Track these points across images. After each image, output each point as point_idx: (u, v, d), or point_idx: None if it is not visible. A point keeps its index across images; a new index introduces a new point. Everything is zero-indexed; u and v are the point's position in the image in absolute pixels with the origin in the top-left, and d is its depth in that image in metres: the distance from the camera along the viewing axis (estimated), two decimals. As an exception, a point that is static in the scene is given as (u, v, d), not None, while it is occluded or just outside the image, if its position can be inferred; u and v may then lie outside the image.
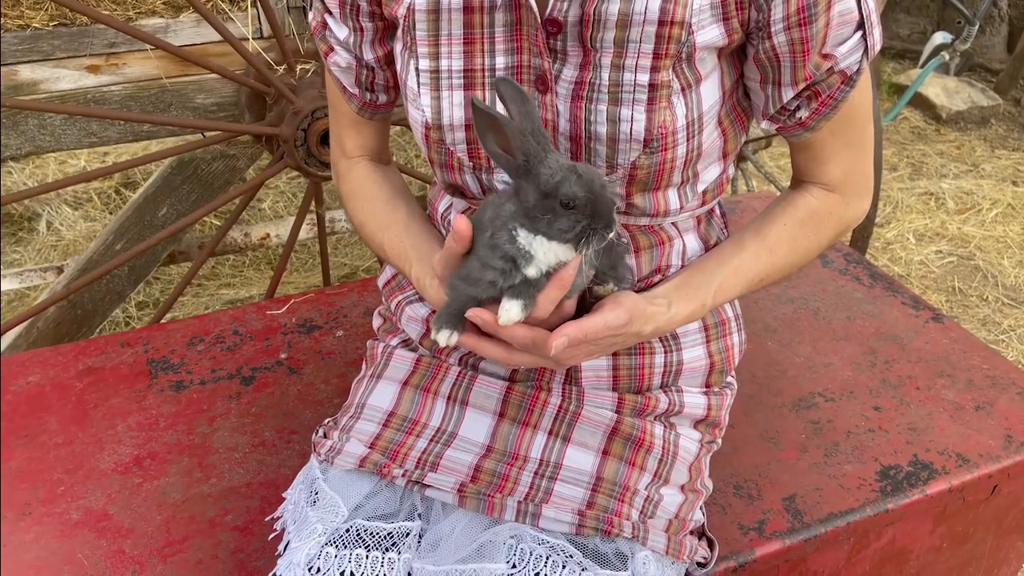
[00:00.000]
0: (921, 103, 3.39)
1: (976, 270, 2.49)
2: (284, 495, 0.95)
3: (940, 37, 3.36)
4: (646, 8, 0.74)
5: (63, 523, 1.05)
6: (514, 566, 0.79)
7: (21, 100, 1.35)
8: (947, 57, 3.53)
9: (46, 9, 1.35)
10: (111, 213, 2.62)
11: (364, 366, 1.03)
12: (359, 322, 1.39)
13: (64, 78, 1.41)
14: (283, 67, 1.44)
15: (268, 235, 1.77)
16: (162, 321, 1.60)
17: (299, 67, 1.46)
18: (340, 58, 0.92)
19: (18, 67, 1.37)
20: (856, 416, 1.20)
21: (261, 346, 1.33)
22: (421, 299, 0.97)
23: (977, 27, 3.51)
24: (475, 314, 0.74)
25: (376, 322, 1.06)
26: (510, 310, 0.72)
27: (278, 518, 0.96)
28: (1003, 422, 1.20)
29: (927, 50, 3.45)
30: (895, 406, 1.22)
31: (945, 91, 3.36)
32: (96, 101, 1.43)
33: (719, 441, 1.00)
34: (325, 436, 0.94)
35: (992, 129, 3.29)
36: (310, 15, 0.95)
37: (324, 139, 1.42)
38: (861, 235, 1.75)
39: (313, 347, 1.33)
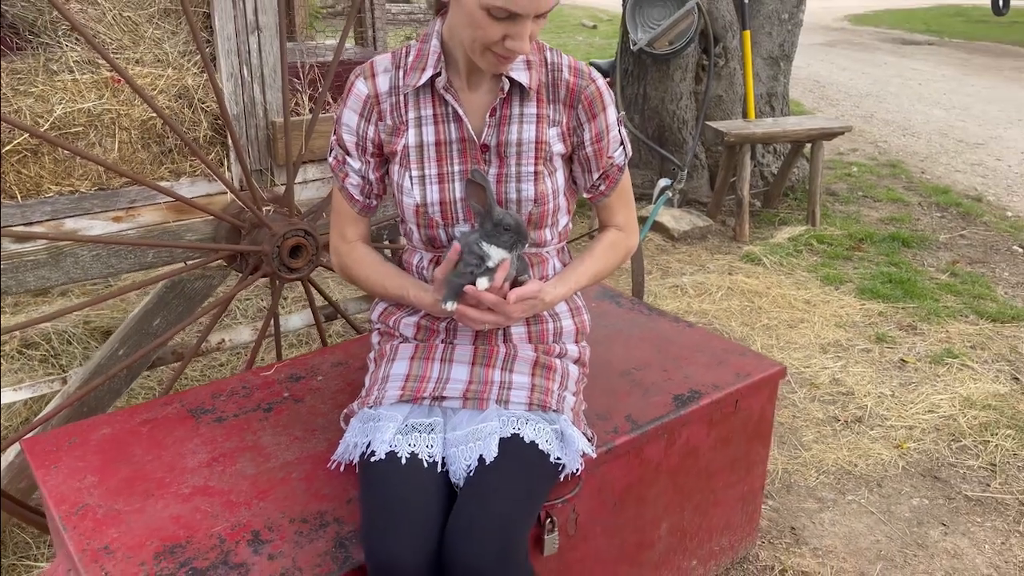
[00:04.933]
0: (659, 228, 4.54)
1: (716, 330, 3.49)
2: (344, 436, 1.55)
3: (663, 182, 4.54)
4: (530, 138, 1.53)
5: (180, 495, 1.55)
6: (503, 424, 1.46)
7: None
8: (671, 194, 4.77)
9: (91, 179, 1.93)
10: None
11: (373, 363, 1.67)
12: (330, 372, 1.99)
13: (96, 226, 1.96)
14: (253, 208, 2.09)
15: (223, 340, 2.32)
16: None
17: (264, 208, 2.12)
18: (352, 180, 1.62)
19: (65, 220, 1.93)
20: (656, 376, 1.99)
21: (267, 392, 1.90)
22: (411, 313, 1.64)
23: (686, 172, 4.80)
24: (468, 288, 1.44)
25: (375, 338, 1.72)
26: (482, 281, 1.44)
27: (336, 461, 1.56)
28: (734, 368, 2.04)
29: (656, 191, 4.64)
30: (676, 368, 2.03)
31: (673, 218, 4.54)
32: (117, 242, 1.99)
33: (586, 379, 1.74)
34: (360, 401, 1.57)
35: (710, 241, 4.49)
36: (329, 157, 1.65)
37: (292, 252, 2.07)
38: (637, 294, 2.62)
39: (305, 387, 1.92)
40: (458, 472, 1.43)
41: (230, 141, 2.06)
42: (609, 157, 1.61)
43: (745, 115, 4.91)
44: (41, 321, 1.91)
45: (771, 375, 2.04)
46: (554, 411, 1.53)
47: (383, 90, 1.55)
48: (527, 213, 1.55)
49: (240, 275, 2.18)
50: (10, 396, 2.05)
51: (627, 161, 1.66)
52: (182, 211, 2.06)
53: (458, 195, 1.54)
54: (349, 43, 3.46)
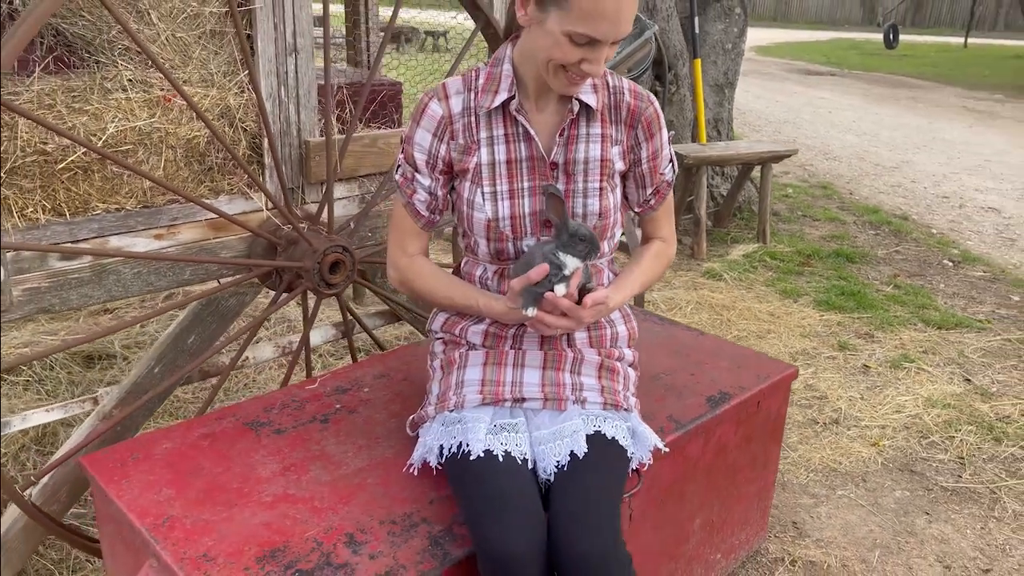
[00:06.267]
0: (621, 247, 4.71)
1: (691, 343, 3.65)
2: (421, 440, 1.61)
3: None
4: (596, 156, 1.65)
5: (263, 503, 1.57)
6: (585, 422, 1.55)
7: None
8: (631, 215, 4.95)
9: (136, 197, 1.94)
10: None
11: (442, 371, 1.73)
12: (375, 383, 2.04)
13: (139, 244, 1.97)
14: (288, 225, 2.13)
15: (247, 357, 2.33)
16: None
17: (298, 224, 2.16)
18: (420, 196, 1.70)
19: (110, 237, 1.93)
20: (685, 379, 2.12)
21: (318, 404, 1.93)
22: (477, 322, 1.72)
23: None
24: (548, 295, 1.53)
25: (438, 347, 1.78)
26: (559, 288, 1.54)
27: (412, 465, 1.62)
28: (754, 371, 2.19)
29: (616, 212, 4.82)
30: (702, 372, 2.16)
31: (636, 237, 4.72)
32: (156, 258, 2.00)
33: (638, 382, 1.85)
34: (437, 406, 1.63)
35: (670, 259, 4.69)
36: (397, 174, 1.72)
37: (331, 268, 2.11)
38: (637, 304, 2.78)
39: (354, 399, 1.96)
40: (548, 468, 1.51)
41: (268, 160, 2.10)
42: (661, 174, 1.74)
43: (695, 139, 5.16)
44: (77, 344, 1.90)
45: (786, 376, 2.20)
46: (625, 410, 1.64)
47: (456, 111, 1.64)
48: (592, 226, 1.66)
49: (274, 293, 2.20)
50: (42, 417, 2.02)
51: (675, 177, 1.79)
52: (219, 229, 2.08)
53: (527, 210, 1.64)
54: (344, 64, 3.52)
